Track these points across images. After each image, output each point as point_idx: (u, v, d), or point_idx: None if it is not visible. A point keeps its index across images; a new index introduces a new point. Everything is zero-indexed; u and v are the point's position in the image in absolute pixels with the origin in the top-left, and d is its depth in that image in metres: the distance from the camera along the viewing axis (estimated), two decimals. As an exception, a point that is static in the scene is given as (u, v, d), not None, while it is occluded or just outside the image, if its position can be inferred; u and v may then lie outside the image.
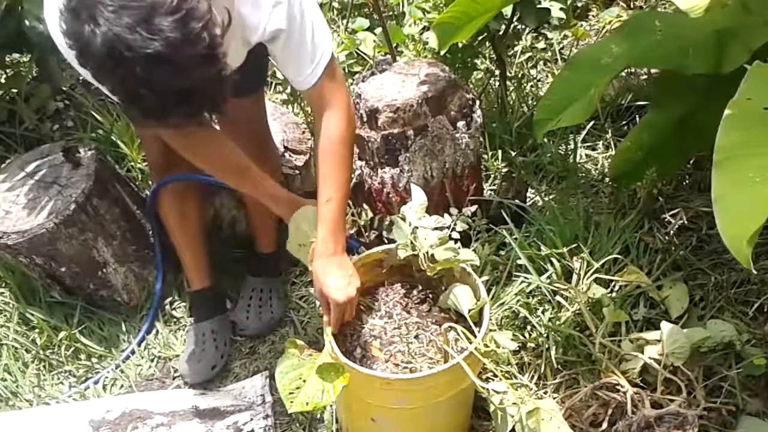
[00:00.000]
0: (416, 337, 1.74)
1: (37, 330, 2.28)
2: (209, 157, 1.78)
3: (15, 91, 2.87)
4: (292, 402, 1.47)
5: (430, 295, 1.84)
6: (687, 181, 2.39)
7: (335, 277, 1.64)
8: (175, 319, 2.36)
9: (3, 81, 2.91)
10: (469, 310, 1.65)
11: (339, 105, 1.69)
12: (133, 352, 2.27)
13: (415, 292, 1.85)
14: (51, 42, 2.38)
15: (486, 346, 1.58)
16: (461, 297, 1.68)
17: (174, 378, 2.23)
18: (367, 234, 2.36)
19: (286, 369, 1.51)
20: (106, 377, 2.22)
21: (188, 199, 2.17)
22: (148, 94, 1.21)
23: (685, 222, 2.20)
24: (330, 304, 1.64)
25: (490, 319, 1.67)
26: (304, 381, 1.49)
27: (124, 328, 2.33)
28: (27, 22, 2.43)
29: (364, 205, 2.37)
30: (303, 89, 1.69)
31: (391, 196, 2.23)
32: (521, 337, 2.01)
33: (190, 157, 1.77)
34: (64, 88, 3.05)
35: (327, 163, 1.70)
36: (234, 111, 2.01)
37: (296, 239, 1.75)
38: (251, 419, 2.03)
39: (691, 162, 2.40)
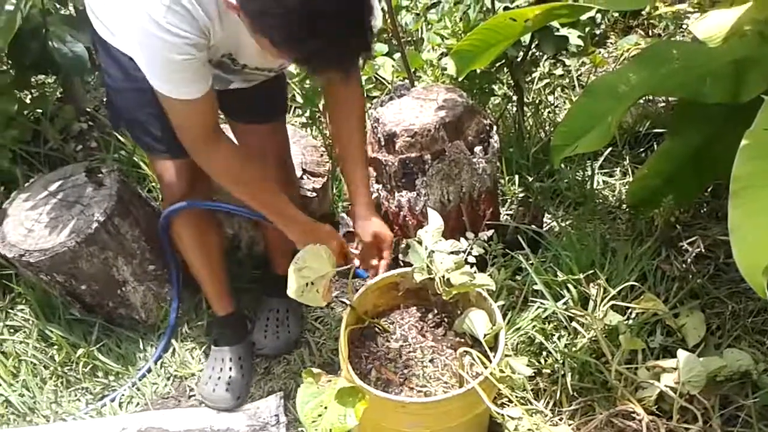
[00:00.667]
0: (431, 360, 1.75)
1: (55, 347, 2.31)
2: (235, 177, 1.76)
3: (40, 111, 2.92)
4: (316, 429, 1.47)
5: (446, 319, 1.85)
6: (705, 209, 2.39)
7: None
8: (191, 338, 2.37)
9: (28, 101, 2.96)
10: (485, 335, 1.65)
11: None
12: (149, 370, 2.29)
13: (430, 315, 1.86)
14: (76, 63, 2.48)
15: (501, 371, 1.59)
16: (477, 322, 1.68)
17: (190, 397, 2.24)
18: (383, 257, 2.37)
19: (307, 398, 1.52)
20: (123, 395, 2.23)
21: (209, 231, 2.14)
22: (340, 30, 1.26)
23: (703, 250, 2.20)
24: (386, 241, 1.88)
25: (506, 344, 1.67)
26: (325, 408, 1.49)
27: (141, 346, 2.35)
28: (52, 44, 2.48)
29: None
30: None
31: (407, 219, 2.25)
32: (537, 363, 2.00)
33: (219, 177, 1.76)
34: (88, 110, 3.10)
35: (360, 134, 1.92)
36: (260, 137, 2.03)
37: (299, 282, 1.62)
38: (265, 440, 2.04)
39: (709, 190, 2.40)
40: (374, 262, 1.91)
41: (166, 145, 1.86)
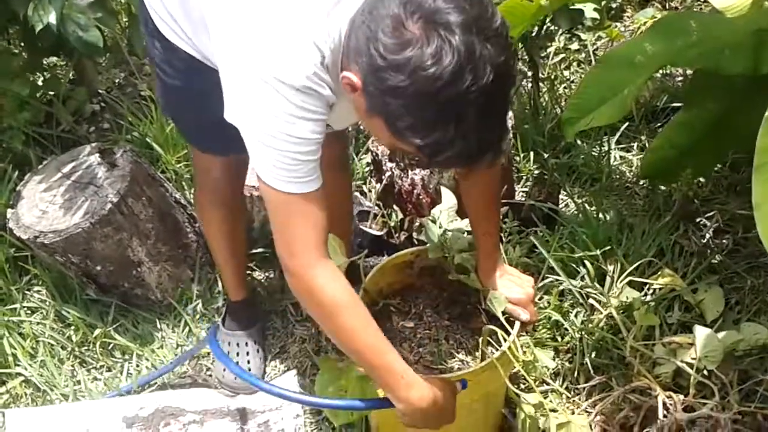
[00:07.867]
0: (446, 338, 1.74)
1: (72, 327, 2.32)
2: (345, 305, 1.41)
3: (52, 93, 2.92)
4: (336, 415, 1.47)
5: (461, 297, 1.83)
6: (723, 183, 2.36)
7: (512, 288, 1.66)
8: (207, 318, 2.37)
9: (40, 84, 2.96)
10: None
11: None
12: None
13: (445, 294, 1.84)
14: (90, 47, 2.45)
15: (524, 354, 1.57)
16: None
17: (207, 376, 2.24)
18: (397, 235, 2.37)
19: (326, 383, 1.51)
20: (139, 372, 2.23)
21: (238, 217, 2.11)
22: (482, 119, 1.12)
23: (721, 225, 2.18)
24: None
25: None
26: (346, 391, 1.49)
27: (158, 326, 2.35)
28: (66, 28, 2.45)
29: (395, 207, 2.37)
30: None
31: (421, 197, 2.23)
32: (553, 341, 1.99)
33: (322, 303, 1.39)
34: (101, 91, 3.10)
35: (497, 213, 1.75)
36: (335, 186, 1.84)
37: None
38: (282, 418, 2.05)
39: (728, 164, 2.36)
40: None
41: (221, 143, 1.77)
